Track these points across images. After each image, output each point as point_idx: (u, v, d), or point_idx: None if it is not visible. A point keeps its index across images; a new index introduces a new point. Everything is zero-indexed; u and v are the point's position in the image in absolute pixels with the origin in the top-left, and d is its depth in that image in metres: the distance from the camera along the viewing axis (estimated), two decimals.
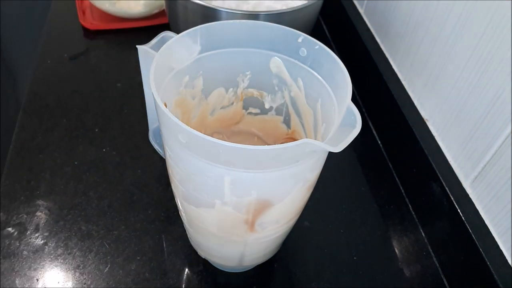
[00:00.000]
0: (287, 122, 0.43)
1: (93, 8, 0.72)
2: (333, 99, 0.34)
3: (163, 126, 0.31)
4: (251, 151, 0.27)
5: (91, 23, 0.70)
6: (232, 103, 0.43)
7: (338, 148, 0.27)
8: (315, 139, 0.34)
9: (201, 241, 0.40)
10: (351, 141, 0.28)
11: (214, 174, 0.30)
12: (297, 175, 0.31)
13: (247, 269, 0.44)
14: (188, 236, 0.43)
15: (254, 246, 0.37)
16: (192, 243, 0.43)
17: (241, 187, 0.31)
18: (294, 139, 0.42)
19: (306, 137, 0.40)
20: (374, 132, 0.59)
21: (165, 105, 0.33)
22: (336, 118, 0.32)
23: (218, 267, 0.43)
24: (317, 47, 0.35)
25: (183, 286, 0.42)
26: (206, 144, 0.27)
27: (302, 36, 0.36)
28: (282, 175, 0.30)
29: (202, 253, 0.42)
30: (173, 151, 0.32)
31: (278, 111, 0.42)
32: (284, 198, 0.32)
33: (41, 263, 0.43)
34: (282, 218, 0.35)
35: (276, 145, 0.27)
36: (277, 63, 0.38)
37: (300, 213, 0.38)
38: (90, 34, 0.70)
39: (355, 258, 0.46)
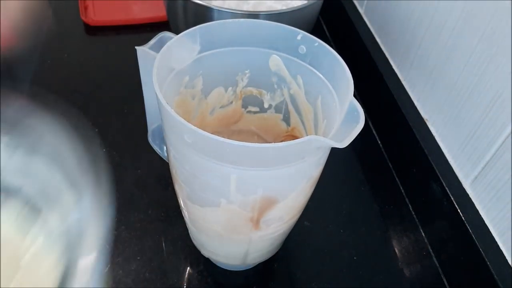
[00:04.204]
0: (286, 119, 0.43)
1: (95, 4, 0.72)
2: (334, 95, 0.34)
3: (167, 126, 0.31)
4: (258, 149, 0.27)
5: (92, 19, 0.70)
6: (231, 102, 0.42)
7: (343, 144, 0.27)
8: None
9: (205, 241, 0.40)
10: (355, 136, 0.28)
11: (220, 173, 0.30)
12: (302, 172, 0.31)
13: (249, 268, 0.44)
14: (191, 236, 0.43)
15: (258, 243, 0.37)
16: (195, 243, 0.43)
17: (247, 185, 0.31)
18: (294, 137, 0.42)
19: (307, 134, 0.40)
20: (374, 132, 0.59)
21: None
22: (338, 115, 0.32)
23: (221, 266, 0.43)
24: (316, 44, 0.35)
25: (184, 286, 0.42)
26: (212, 143, 0.27)
27: (301, 34, 0.36)
28: (288, 172, 0.30)
29: (205, 253, 0.42)
30: (177, 151, 0.32)
31: (278, 109, 0.42)
32: (289, 195, 0.32)
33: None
34: (286, 215, 0.35)
35: (283, 142, 0.27)
36: (276, 61, 0.38)
37: (303, 210, 0.38)
38: (90, 32, 0.69)
39: (355, 258, 0.46)
